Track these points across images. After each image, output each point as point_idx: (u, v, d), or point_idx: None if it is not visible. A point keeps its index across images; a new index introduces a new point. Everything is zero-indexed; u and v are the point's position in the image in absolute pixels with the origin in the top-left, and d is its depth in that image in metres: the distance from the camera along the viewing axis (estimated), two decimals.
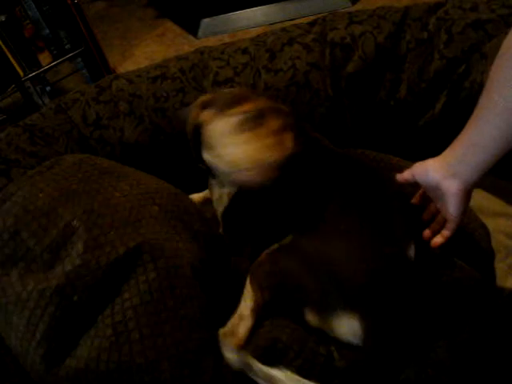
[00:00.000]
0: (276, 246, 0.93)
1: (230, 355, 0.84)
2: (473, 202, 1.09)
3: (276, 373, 0.80)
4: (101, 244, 0.83)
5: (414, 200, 0.98)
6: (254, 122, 0.92)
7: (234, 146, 0.91)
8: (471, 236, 1.00)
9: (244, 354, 0.84)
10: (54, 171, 0.98)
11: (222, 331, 0.89)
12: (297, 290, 0.87)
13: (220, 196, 1.09)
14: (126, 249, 0.83)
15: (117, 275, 0.83)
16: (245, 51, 1.30)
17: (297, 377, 0.80)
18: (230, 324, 0.91)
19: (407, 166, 1.14)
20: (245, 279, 1.04)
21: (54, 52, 2.16)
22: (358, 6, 2.61)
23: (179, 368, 0.79)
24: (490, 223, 1.07)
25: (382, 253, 0.86)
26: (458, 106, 1.16)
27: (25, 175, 1.00)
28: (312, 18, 1.35)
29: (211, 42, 2.61)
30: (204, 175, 1.16)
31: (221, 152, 0.94)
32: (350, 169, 1.00)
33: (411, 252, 0.89)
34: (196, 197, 1.24)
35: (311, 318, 0.86)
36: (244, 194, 1.04)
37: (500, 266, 1.09)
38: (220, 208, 1.10)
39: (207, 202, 1.22)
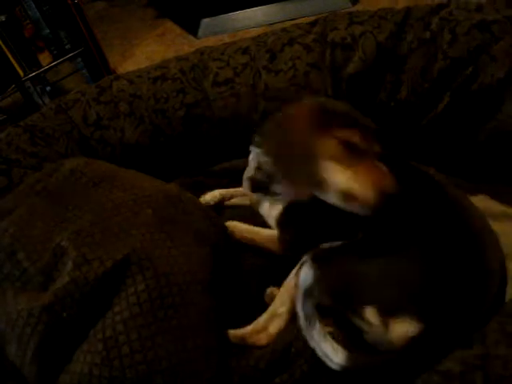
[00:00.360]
0: (338, 243, 0.90)
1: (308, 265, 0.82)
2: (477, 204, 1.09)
3: (317, 316, 0.82)
4: (89, 260, 0.83)
5: None
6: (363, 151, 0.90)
7: (343, 175, 0.90)
8: (482, 243, 1.00)
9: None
10: (52, 182, 0.99)
11: (251, 327, 0.90)
12: (363, 290, 0.85)
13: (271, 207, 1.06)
14: (114, 262, 0.83)
15: (106, 289, 0.82)
16: (245, 51, 1.29)
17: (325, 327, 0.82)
18: (261, 320, 0.91)
19: None
20: (252, 276, 1.03)
21: (54, 52, 2.16)
22: (359, 7, 2.61)
23: (173, 381, 0.78)
24: (495, 226, 1.07)
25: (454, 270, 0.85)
26: (463, 108, 1.15)
27: (23, 185, 1.00)
28: (312, 18, 1.34)
29: (211, 41, 2.61)
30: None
31: (330, 177, 0.91)
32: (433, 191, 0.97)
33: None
34: (211, 196, 1.22)
35: (373, 317, 0.83)
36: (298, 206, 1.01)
37: None
38: (274, 212, 1.06)
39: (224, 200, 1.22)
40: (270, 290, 1.01)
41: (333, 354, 0.79)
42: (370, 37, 1.20)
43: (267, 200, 1.07)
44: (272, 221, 1.07)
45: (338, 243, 0.91)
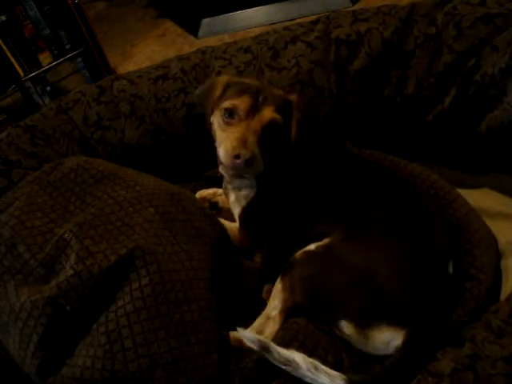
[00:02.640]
0: (313, 247, 0.92)
1: (250, 337, 0.83)
2: (475, 203, 1.09)
3: (294, 355, 0.80)
4: (92, 253, 0.83)
5: None
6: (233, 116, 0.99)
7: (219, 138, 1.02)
8: (479, 244, 1.00)
9: (263, 337, 0.84)
10: (51, 179, 0.99)
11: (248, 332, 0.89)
12: (336, 302, 0.86)
13: (236, 198, 1.11)
14: (118, 256, 0.83)
15: (110, 283, 0.82)
16: (247, 50, 1.29)
17: (310, 359, 0.80)
18: (256, 324, 0.92)
19: (415, 169, 1.14)
20: (249, 275, 1.04)
21: (55, 52, 2.16)
22: (359, 6, 2.60)
23: (175, 375, 0.79)
24: (493, 225, 1.07)
25: (427, 266, 0.86)
26: (468, 100, 1.16)
27: (23, 182, 1.00)
28: (313, 17, 1.34)
29: (212, 41, 2.60)
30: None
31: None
32: (384, 179, 1.01)
33: (450, 268, 0.89)
34: (205, 193, 1.26)
35: (348, 330, 0.85)
36: (263, 195, 1.07)
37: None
38: (237, 210, 1.11)
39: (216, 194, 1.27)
40: (266, 286, 1.02)
41: (332, 383, 0.78)
42: (375, 33, 1.21)
43: (233, 193, 1.13)
44: (236, 214, 1.13)
45: (311, 247, 0.93)
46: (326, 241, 0.92)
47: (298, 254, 0.94)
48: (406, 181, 1.01)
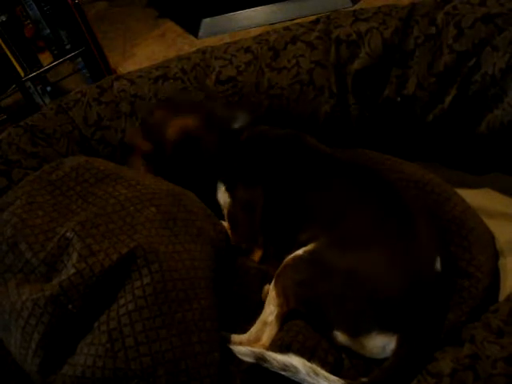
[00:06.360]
0: (301, 252, 0.92)
1: (242, 350, 0.83)
2: (475, 203, 1.09)
3: (292, 360, 0.80)
4: (94, 252, 0.84)
5: None
6: None
7: None
8: (476, 242, 1.00)
9: (256, 349, 0.84)
10: (52, 178, 0.99)
11: (246, 337, 0.91)
12: (326, 311, 0.87)
13: (224, 199, 1.12)
14: (120, 255, 0.84)
15: (112, 282, 0.83)
16: (247, 50, 1.29)
17: (309, 364, 0.80)
18: (253, 330, 0.92)
19: (412, 168, 1.14)
20: (251, 276, 1.04)
21: (55, 52, 2.16)
22: (359, 6, 2.60)
23: (176, 374, 0.79)
24: (492, 224, 1.07)
25: (413, 267, 0.86)
26: (468, 100, 1.16)
27: (23, 182, 1.01)
28: (313, 17, 1.34)
29: (212, 41, 2.60)
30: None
31: None
32: (366, 181, 1.01)
33: (438, 265, 0.89)
34: None
35: (342, 339, 0.86)
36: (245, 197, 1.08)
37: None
38: (226, 209, 1.12)
39: None
40: (266, 287, 1.02)
41: None
42: (375, 33, 1.21)
43: (220, 190, 1.15)
44: (225, 212, 1.14)
45: (299, 253, 0.93)
46: (311, 246, 0.92)
47: (289, 258, 0.94)
48: (388, 180, 1.01)
